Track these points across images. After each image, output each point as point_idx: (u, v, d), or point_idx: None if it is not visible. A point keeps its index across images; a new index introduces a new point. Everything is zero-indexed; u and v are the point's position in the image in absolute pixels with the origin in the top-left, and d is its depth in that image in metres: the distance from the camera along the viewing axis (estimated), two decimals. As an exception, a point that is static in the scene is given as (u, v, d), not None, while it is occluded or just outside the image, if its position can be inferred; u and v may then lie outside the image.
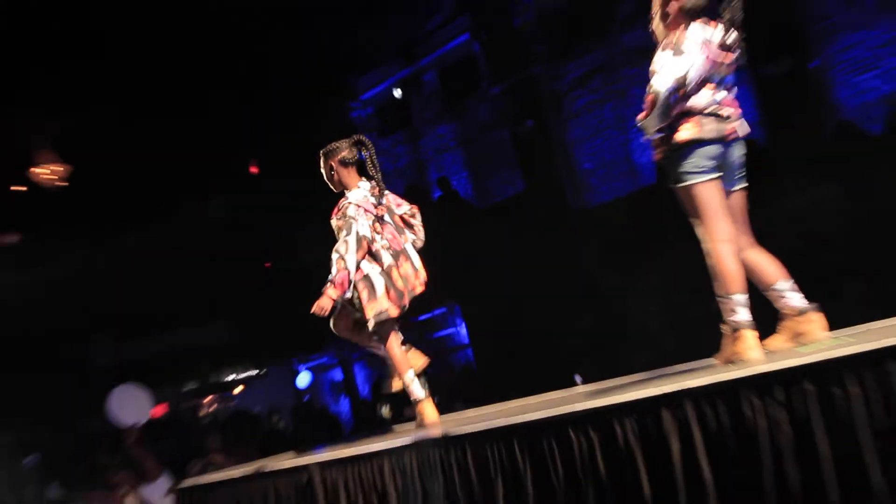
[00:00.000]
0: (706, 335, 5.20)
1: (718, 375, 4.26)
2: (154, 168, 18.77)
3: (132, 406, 11.60)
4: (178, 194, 18.96)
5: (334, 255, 6.57)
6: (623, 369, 6.64)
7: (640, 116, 5.04)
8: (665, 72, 4.90)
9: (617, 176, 17.91)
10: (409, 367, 6.74)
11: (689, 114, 4.92)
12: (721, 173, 4.99)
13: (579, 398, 5.16)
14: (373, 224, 6.73)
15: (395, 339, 6.79)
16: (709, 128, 4.91)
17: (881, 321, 5.24)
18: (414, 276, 6.72)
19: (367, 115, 22.64)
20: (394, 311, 6.52)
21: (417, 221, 7.16)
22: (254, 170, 21.83)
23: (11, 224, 20.95)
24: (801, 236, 11.22)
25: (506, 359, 14.39)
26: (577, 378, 12.18)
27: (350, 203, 6.82)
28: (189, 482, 7.59)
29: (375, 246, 6.65)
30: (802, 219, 11.71)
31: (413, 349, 6.93)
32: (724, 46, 4.97)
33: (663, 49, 5.03)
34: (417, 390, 6.71)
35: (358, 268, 6.55)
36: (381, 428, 8.23)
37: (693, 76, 4.86)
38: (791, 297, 5.01)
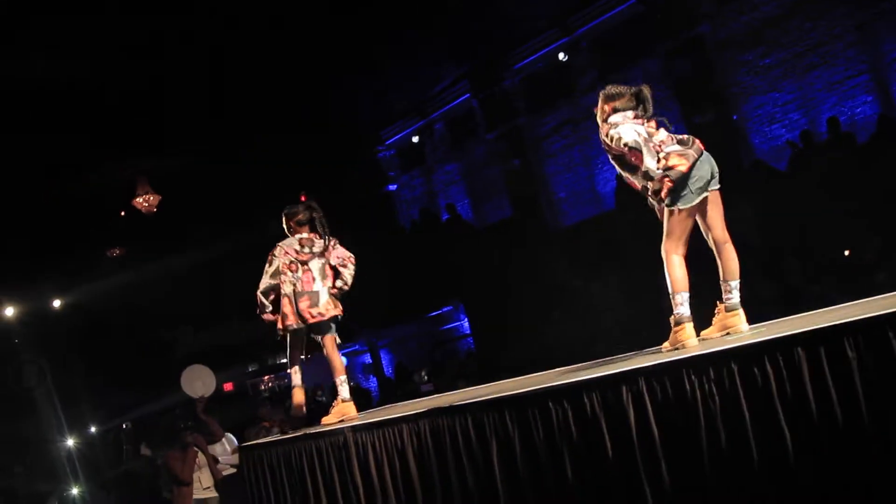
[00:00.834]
0: (655, 328, 5.17)
1: (665, 358, 4.24)
2: (226, 195, 18.84)
3: (199, 381, 11.60)
4: (241, 216, 18.98)
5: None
6: (589, 355, 6.61)
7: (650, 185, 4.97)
8: (623, 133, 4.91)
9: (584, 203, 17.92)
10: (342, 372, 7.13)
11: (671, 153, 4.88)
12: (706, 192, 4.94)
13: (556, 377, 5.13)
14: (289, 264, 7.02)
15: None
16: (690, 153, 4.89)
17: (789, 316, 5.23)
18: (306, 311, 6.92)
19: (390, 156, 22.69)
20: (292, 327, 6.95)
21: (348, 271, 7.27)
22: (303, 198, 21.81)
23: (119, 240, 21.05)
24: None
25: (499, 346, 14.34)
26: None
27: (277, 244, 7.11)
28: (250, 442, 7.58)
29: (285, 280, 6.98)
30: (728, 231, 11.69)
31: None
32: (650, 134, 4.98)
33: (603, 131, 5.06)
34: (345, 392, 7.04)
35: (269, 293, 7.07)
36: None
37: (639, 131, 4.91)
38: (734, 294, 4.97)
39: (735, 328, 4.87)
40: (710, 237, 5.07)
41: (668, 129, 5.05)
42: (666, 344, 5.00)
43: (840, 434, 3.38)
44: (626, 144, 4.91)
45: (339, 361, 7.16)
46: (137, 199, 18.94)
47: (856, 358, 3.35)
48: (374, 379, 20.54)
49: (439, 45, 18.04)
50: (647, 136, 4.92)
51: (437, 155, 21.66)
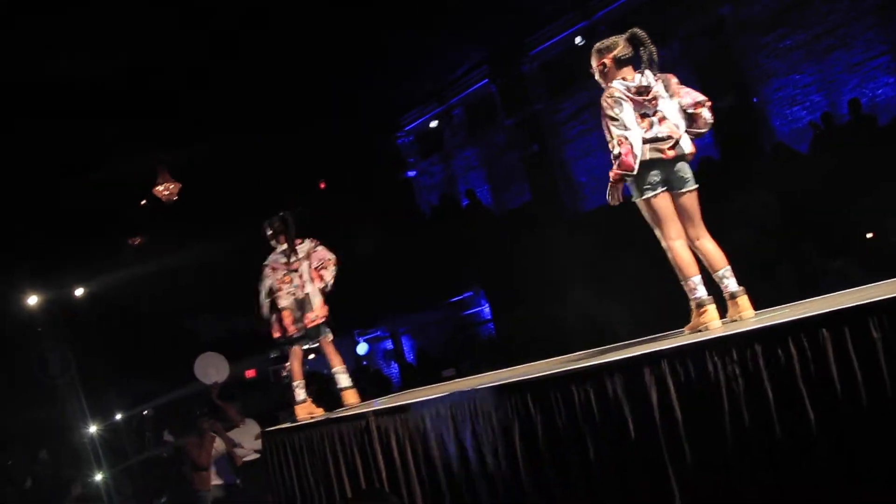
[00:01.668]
0: (677, 312, 5.14)
1: (687, 340, 4.23)
2: (246, 183, 18.87)
3: (213, 368, 11.75)
4: (262, 204, 18.99)
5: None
6: (610, 338, 6.60)
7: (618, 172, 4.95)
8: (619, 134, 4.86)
9: (604, 188, 17.81)
10: (301, 378, 7.58)
11: (631, 144, 4.84)
12: (666, 186, 4.94)
13: (578, 360, 5.13)
14: (282, 277, 7.46)
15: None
16: (648, 153, 4.86)
17: (808, 299, 5.20)
18: (303, 317, 7.35)
19: (409, 142, 22.68)
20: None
21: (329, 273, 7.51)
22: (322, 185, 21.87)
23: (140, 229, 21.14)
24: (746, 227, 11.14)
25: (519, 331, 14.33)
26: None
27: (264, 266, 7.67)
28: (274, 427, 7.62)
29: (280, 295, 7.44)
30: (746, 214, 11.64)
31: None
32: (640, 90, 4.91)
33: (606, 99, 4.96)
34: (301, 394, 7.50)
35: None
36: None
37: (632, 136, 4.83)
38: (728, 282, 4.92)
39: (741, 315, 4.81)
40: (686, 236, 5.02)
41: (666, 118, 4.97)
42: (688, 327, 4.98)
43: (864, 414, 3.36)
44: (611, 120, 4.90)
45: (338, 357, 7.63)
46: (158, 188, 18.99)
47: (881, 338, 3.33)
48: (396, 365, 20.58)
49: (458, 31, 17.96)
50: (627, 125, 4.85)
51: (455, 141, 21.62)
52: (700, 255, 4.98)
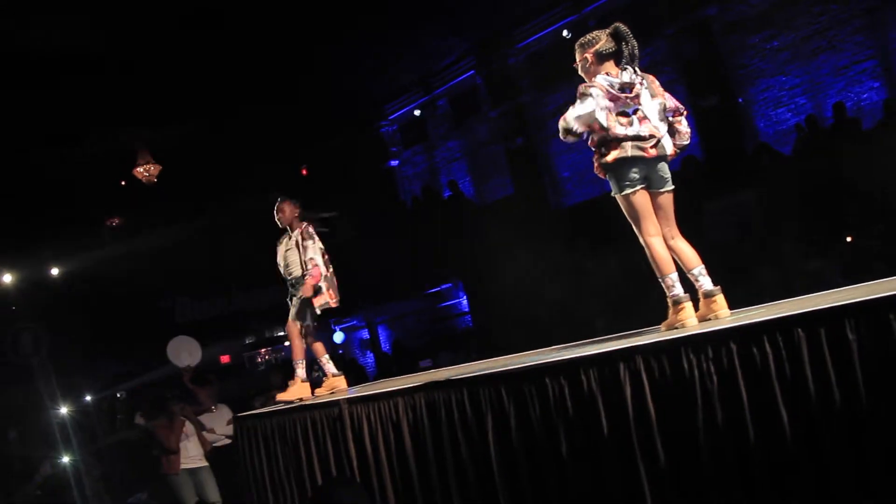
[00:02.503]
0: (655, 308, 5.15)
1: (663, 336, 4.24)
2: (228, 166, 18.83)
3: (185, 351, 11.71)
4: (242, 187, 18.97)
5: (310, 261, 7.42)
6: (588, 333, 6.61)
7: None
8: (573, 113, 4.93)
9: (587, 182, 17.85)
10: (302, 356, 7.47)
11: (615, 140, 4.89)
12: (645, 184, 4.96)
13: (553, 354, 5.13)
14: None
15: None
16: (630, 150, 4.88)
17: (786, 300, 5.22)
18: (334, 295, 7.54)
19: (393, 131, 22.65)
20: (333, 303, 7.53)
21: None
22: (304, 171, 21.82)
23: (119, 210, 21.03)
24: (727, 226, 11.21)
25: (497, 324, 14.36)
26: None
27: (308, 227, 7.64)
28: (246, 413, 7.60)
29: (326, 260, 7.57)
30: (729, 214, 11.70)
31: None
32: (623, 87, 4.93)
33: (579, 90, 4.98)
34: (302, 373, 7.37)
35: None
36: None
37: (596, 117, 4.86)
38: (703, 281, 4.94)
39: (716, 314, 4.83)
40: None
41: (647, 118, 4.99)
42: (664, 323, 4.99)
43: (837, 416, 3.38)
44: (570, 127, 4.97)
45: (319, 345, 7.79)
46: (138, 169, 18.89)
47: (856, 340, 3.34)
48: (372, 355, 20.57)
49: (445, 20, 17.92)
50: (603, 124, 4.88)
51: (439, 131, 21.60)
52: (674, 254, 5.00)
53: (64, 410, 14.12)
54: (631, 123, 4.91)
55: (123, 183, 19.82)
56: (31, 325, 15.44)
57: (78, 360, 16.69)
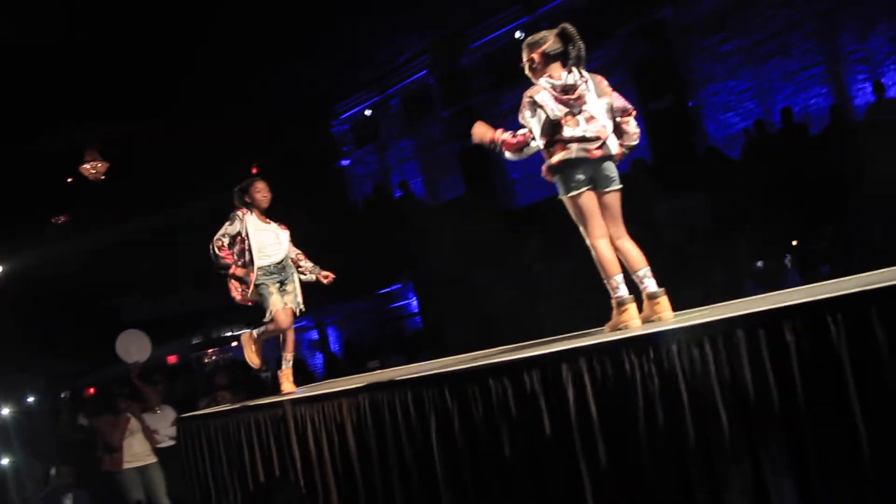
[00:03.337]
0: (604, 309, 5.18)
1: (606, 338, 4.26)
2: (178, 164, 18.68)
3: (135, 346, 11.55)
4: (193, 186, 18.84)
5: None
6: (536, 334, 6.63)
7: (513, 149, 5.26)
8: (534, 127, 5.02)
9: (538, 185, 17.90)
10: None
11: (560, 142, 4.93)
12: (591, 185, 4.98)
13: (498, 354, 5.14)
14: None
15: None
16: (574, 151, 4.91)
17: (731, 301, 5.27)
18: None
19: (344, 130, 22.60)
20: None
21: (304, 264, 7.32)
22: (254, 170, 21.70)
23: (65, 207, 20.79)
24: (678, 228, 11.31)
25: (447, 325, 14.36)
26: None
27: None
28: (190, 413, 7.53)
29: None
30: (679, 216, 11.80)
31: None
32: (566, 88, 4.94)
33: (526, 97, 5.04)
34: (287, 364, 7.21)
35: None
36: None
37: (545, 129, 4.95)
38: (648, 283, 4.97)
39: (659, 316, 4.86)
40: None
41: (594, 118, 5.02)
42: (608, 325, 5.02)
43: (775, 415, 3.41)
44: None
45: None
46: (85, 166, 18.69)
47: (794, 341, 3.38)
48: (321, 355, 20.50)
49: (398, 21, 17.92)
50: (555, 117, 4.91)
51: (391, 131, 21.61)
52: (620, 255, 5.02)
53: (6, 411, 13.90)
54: (577, 124, 4.93)
55: (70, 180, 19.62)
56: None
57: (20, 359, 16.45)
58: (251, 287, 6.86)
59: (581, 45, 4.98)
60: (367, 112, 21.49)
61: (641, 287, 4.99)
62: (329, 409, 5.43)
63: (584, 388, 4.01)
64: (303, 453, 5.65)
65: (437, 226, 16.16)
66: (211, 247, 6.95)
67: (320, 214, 19.45)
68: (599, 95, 5.04)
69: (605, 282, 4.98)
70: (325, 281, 7.27)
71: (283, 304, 6.97)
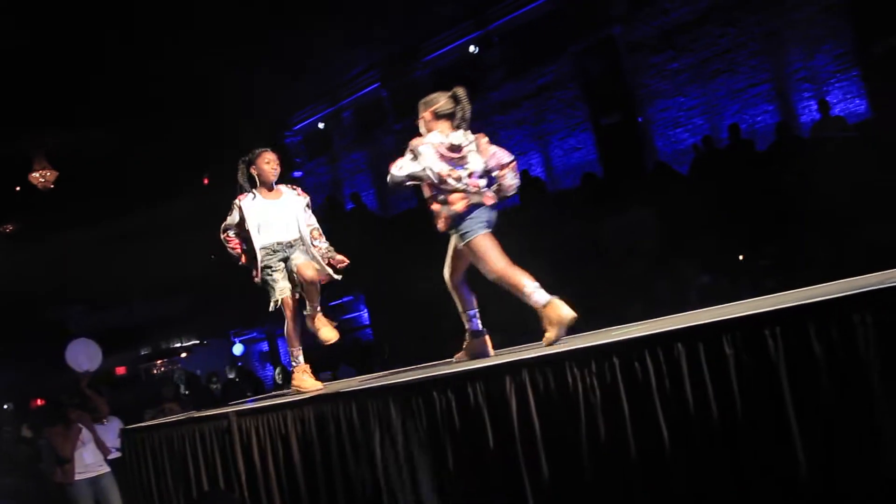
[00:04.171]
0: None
1: (548, 350, 4.28)
2: (129, 175, 18.51)
3: (85, 355, 11.39)
4: (143, 196, 18.71)
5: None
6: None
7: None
8: (401, 166, 5.33)
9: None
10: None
11: (455, 191, 5.25)
12: (490, 228, 5.32)
13: (443, 368, 5.15)
14: None
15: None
16: (473, 197, 5.26)
17: (673, 315, 5.31)
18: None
19: (297, 142, 22.52)
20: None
21: (318, 244, 6.72)
22: (206, 181, 21.58)
23: (10, 216, 20.50)
24: (626, 243, 11.39)
25: (398, 337, 14.34)
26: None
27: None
28: (134, 425, 7.44)
29: None
30: (628, 230, 11.87)
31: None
32: (453, 147, 5.28)
33: (409, 148, 5.34)
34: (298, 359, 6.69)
35: None
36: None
37: (427, 174, 5.25)
38: (475, 322, 5.67)
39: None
40: (456, 274, 5.70)
41: (483, 151, 5.39)
42: (546, 339, 5.05)
43: (713, 428, 3.44)
44: (406, 176, 5.32)
45: None
46: (34, 175, 18.45)
47: (733, 354, 3.41)
48: (271, 367, 20.38)
49: (350, 33, 17.90)
50: (439, 174, 5.23)
51: (343, 143, 21.56)
52: (461, 292, 5.78)
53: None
54: (460, 179, 5.25)
55: (18, 189, 19.35)
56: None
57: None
58: (259, 273, 6.32)
59: (468, 107, 5.41)
60: (321, 124, 21.43)
61: (468, 325, 5.68)
62: (274, 421, 5.40)
63: (528, 400, 4.03)
64: (247, 465, 5.60)
65: (389, 238, 16.14)
66: (221, 239, 6.61)
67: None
68: (480, 153, 5.38)
69: (526, 297, 5.15)
70: (339, 266, 6.59)
71: (290, 288, 6.30)
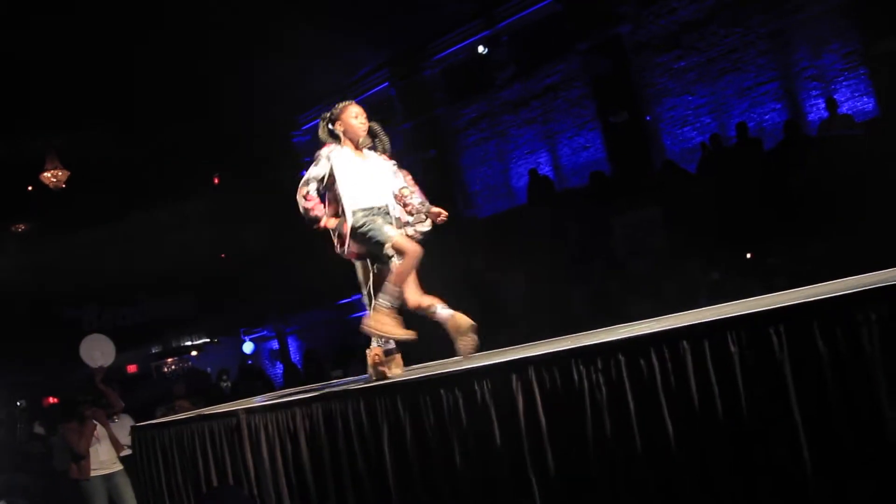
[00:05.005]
0: (559, 319, 5.22)
1: (555, 348, 4.27)
2: (140, 174, 18.56)
3: (99, 350, 11.40)
4: (154, 196, 18.75)
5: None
6: (492, 345, 6.65)
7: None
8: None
9: (498, 196, 18.00)
10: None
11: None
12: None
13: (450, 365, 5.15)
14: None
15: None
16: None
17: (679, 313, 5.31)
18: None
19: (306, 142, 22.53)
20: None
21: (412, 201, 6.30)
22: (216, 180, 21.61)
23: (25, 216, 20.56)
24: (635, 241, 11.37)
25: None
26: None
27: None
28: (144, 423, 7.46)
29: None
30: (636, 228, 11.86)
31: None
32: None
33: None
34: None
35: None
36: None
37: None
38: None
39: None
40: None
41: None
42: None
43: (720, 427, 3.44)
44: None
45: None
46: (46, 174, 18.49)
47: (737, 352, 3.41)
48: (281, 365, 20.41)
49: (360, 32, 17.92)
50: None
51: (352, 142, 21.57)
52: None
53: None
54: None
55: (31, 188, 19.41)
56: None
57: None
58: (347, 239, 5.61)
59: (385, 139, 5.77)
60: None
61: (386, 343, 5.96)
62: (283, 418, 5.41)
63: (534, 397, 4.03)
64: (256, 462, 5.61)
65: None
66: (297, 198, 5.79)
67: (282, 225, 19.40)
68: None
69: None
70: (437, 221, 6.02)
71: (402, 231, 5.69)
